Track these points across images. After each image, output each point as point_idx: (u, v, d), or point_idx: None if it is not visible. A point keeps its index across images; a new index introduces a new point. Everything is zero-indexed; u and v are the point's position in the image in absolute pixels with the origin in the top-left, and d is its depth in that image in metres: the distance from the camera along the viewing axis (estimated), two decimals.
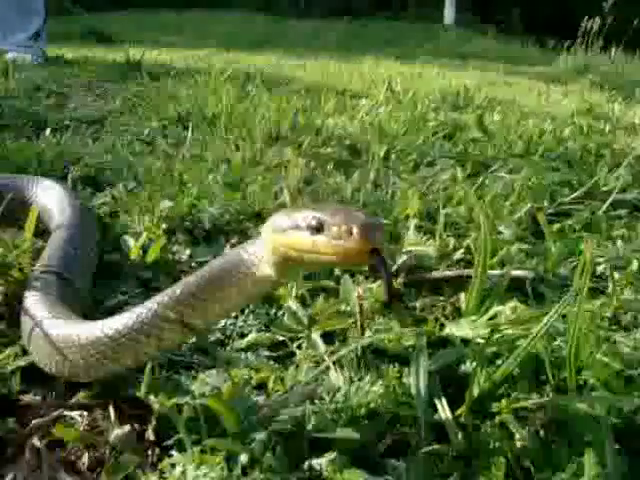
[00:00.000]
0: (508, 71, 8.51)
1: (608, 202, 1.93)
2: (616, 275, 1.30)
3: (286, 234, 0.86)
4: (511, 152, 2.61)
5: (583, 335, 0.94)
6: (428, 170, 2.20)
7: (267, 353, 1.09)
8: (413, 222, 1.53)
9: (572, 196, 2.06)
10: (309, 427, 0.82)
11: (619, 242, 1.51)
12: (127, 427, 0.92)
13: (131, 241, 1.40)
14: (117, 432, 0.91)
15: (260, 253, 0.94)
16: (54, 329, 1.00)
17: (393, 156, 2.31)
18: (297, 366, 1.03)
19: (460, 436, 0.84)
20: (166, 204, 1.56)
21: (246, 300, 1.03)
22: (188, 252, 1.41)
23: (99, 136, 2.83)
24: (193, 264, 1.38)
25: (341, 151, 2.33)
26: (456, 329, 1.04)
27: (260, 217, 1.59)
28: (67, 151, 2.37)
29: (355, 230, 0.78)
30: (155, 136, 2.77)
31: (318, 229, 0.82)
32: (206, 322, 0.98)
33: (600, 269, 1.40)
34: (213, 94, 3.42)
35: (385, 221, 1.56)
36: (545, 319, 0.87)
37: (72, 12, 12.74)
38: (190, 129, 2.66)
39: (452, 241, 1.47)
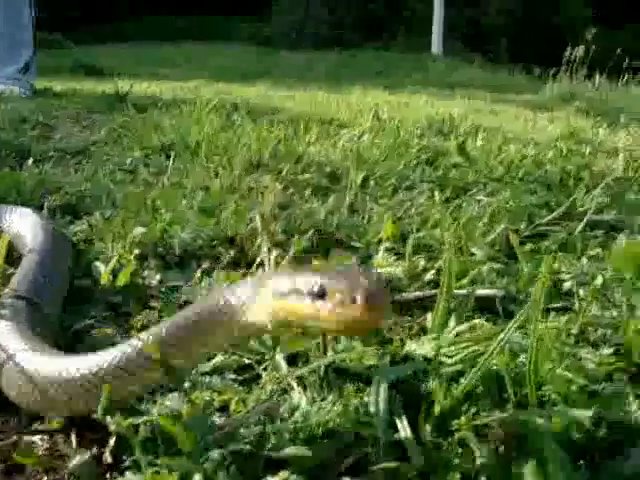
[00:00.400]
0: (495, 99, 8.59)
1: (583, 222, 1.95)
2: (582, 292, 1.31)
3: (286, 299, 0.83)
4: (491, 176, 2.63)
5: (543, 350, 0.94)
6: (406, 194, 2.22)
7: (233, 376, 1.08)
8: (385, 244, 1.54)
9: (549, 217, 2.07)
10: (266, 446, 0.81)
11: (584, 259, 1.52)
12: (86, 454, 0.91)
13: (102, 266, 1.41)
14: (75, 460, 0.90)
15: (249, 300, 0.91)
16: (30, 363, 0.98)
17: (372, 182, 2.33)
18: (262, 388, 1.03)
19: (419, 453, 0.84)
20: (139, 230, 1.57)
21: (232, 343, 1.02)
22: (159, 277, 1.41)
23: (82, 166, 2.84)
24: (163, 289, 1.39)
25: (320, 177, 2.35)
26: (417, 347, 1.04)
27: (233, 242, 1.60)
28: (48, 180, 2.38)
29: (359, 299, 0.76)
30: (137, 165, 2.79)
31: (320, 295, 0.79)
32: (190, 363, 0.97)
33: (567, 286, 1.41)
34: (197, 124, 3.45)
35: (357, 244, 1.57)
36: (501, 335, 0.88)
37: (63, 46, 12.84)
38: (172, 158, 2.68)
39: (422, 262, 1.47)
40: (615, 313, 1.20)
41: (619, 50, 10.52)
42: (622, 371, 1.06)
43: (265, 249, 1.36)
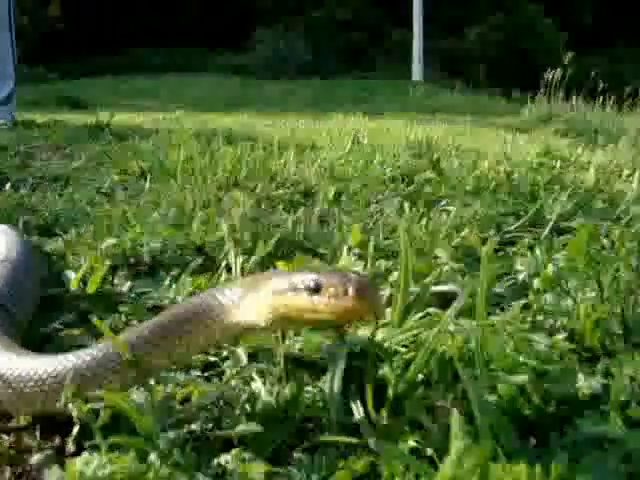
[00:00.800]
0: (475, 123, 8.72)
1: (548, 227, 2.00)
2: (536, 283, 1.35)
3: (286, 295, 0.91)
4: (462, 189, 2.68)
5: (494, 335, 0.97)
6: (377, 207, 2.27)
7: (198, 373, 1.11)
8: (350, 249, 1.58)
9: (516, 224, 2.12)
10: (222, 427, 0.84)
11: (537, 251, 1.56)
12: (49, 450, 0.93)
13: (72, 274, 1.43)
14: (37, 456, 0.92)
15: (239, 301, 0.98)
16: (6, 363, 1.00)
17: (344, 197, 2.38)
18: (225, 382, 1.05)
19: (371, 431, 0.87)
20: (109, 241, 1.60)
21: (213, 343, 1.05)
22: (128, 284, 1.44)
23: (59, 191, 2.87)
24: (132, 295, 1.41)
25: (293, 194, 2.39)
26: (373, 336, 1.07)
27: (201, 251, 1.63)
28: (25, 202, 2.41)
29: (351, 290, 0.85)
30: (114, 188, 2.82)
31: (316, 290, 0.88)
32: (169, 364, 1.00)
33: (522, 277, 1.46)
34: (175, 149, 3.49)
35: (323, 250, 1.61)
36: (444, 317, 0.91)
37: (46, 79, 12.94)
38: (148, 180, 2.71)
39: (384, 264, 1.51)
40: (570, 302, 1.24)
41: (594, 73, 10.76)
42: (574, 353, 1.10)
43: (232, 254, 1.39)
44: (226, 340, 1.07)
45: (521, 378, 0.89)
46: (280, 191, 2.36)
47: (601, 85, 10.89)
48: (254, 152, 3.38)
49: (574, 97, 10.79)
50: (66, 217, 2.18)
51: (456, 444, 0.67)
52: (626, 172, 3.76)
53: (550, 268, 1.35)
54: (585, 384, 0.96)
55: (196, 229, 1.70)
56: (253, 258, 1.44)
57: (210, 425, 0.86)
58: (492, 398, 0.90)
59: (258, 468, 0.76)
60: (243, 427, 0.82)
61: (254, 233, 1.60)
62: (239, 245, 1.51)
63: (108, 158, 3.64)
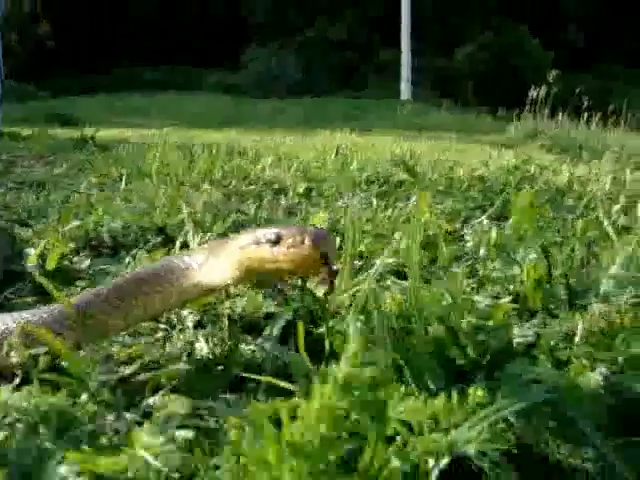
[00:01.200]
0: (461, 139, 8.79)
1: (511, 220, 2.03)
2: (482, 251, 1.38)
3: (250, 248, 0.96)
4: (434, 188, 2.72)
5: (421, 285, 1.00)
6: (345, 202, 2.30)
7: (146, 339, 1.13)
8: None
9: (483, 217, 2.16)
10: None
11: (484, 218, 1.58)
12: None
13: (32, 250, 1.45)
14: None
15: (204, 262, 1.02)
16: None
17: (314, 192, 2.41)
18: (171, 344, 1.07)
19: (303, 375, 0.89)
20: (73, 223, 1.62)
21: (168, 308, 1.08)
22: (88, 262, 1.46)
23: (37, 194, 2.89)
24: (91, 271, 1.43)
25: (265, 190, 2.42)
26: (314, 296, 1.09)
27: (163, 231, 1.65)
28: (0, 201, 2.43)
29: (307, 240, 0.90)
30: (91, 189, 2.84)
31: (276, 242, 0.93)
32: (125, 326, 1.02)
33: (469, 246, 1.49)
34: (153, 154, 3.51)
35: None
36: (368, 275, 0.94)
37: (36, 97, 12.98)
38: (124, 181, 2.74)
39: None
40: (517, 269, 1.27)
41: (578, 90, 10.89)
42: (516, 315, 1.13)
43: (190, 232, 1.41)
44: (180, 303, 1.09)
45: (458, 324, 0.91)
46: (251, 187, 2.38)
47: (586, 102, 11.00)
48: (232, 158, 3.42)
49: (559, 114, 10.90)
50: (39, 212, 2.20)
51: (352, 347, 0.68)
52: (603, 178, 3.81)
53: (494, 233, 1.37)
54: (520, 333, 0.99)
55: (159, 212, 1.72)
56: (210, 235, 1.46)
57: (139, 368, 0.88)
58: (425, 349, 0.92)
59: (183, 403, 0.78)
60: (172, 367, 0.84)
61: (214, 215, 1.63)
62: (198, 226, 1.53)
63: (90, 165, 3.66)
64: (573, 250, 1.39)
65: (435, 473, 0.67)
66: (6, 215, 2.18)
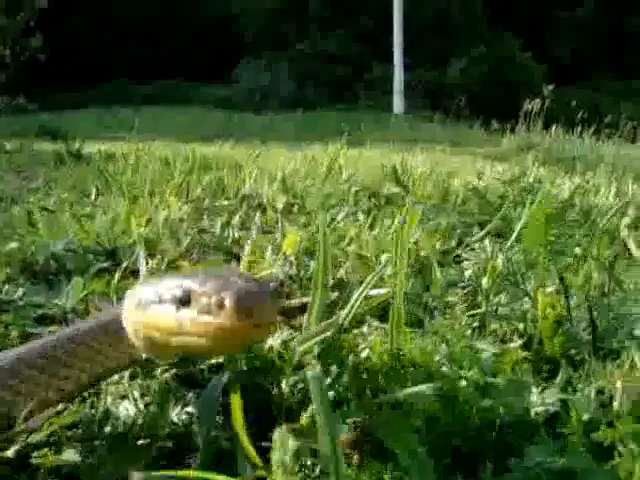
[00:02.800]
0: (455, 152, 8.65)
1: (514, 236, 1.83)
2: (484, 281, 1.16)
3: (148, 310, 0.67)
4: (426, 202, 2.53)
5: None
6: (329, 216, 2.09)
7: None
8: (283, 254, 1.40)
9: (480, 234, 1.96)
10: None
11: (487, 241, 1.39)
12: None
13: None
14: None
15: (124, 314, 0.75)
16: None
17: (295, 208, 2.21)
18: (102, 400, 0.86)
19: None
20: (11, 245, 1.41)
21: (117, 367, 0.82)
22: (21, 292, 1.25)
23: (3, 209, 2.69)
24: (21, 303, 1.22)
25: (240, 206, 2.21)
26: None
27: (113, 255, 1.44)
28: None
29: (228, 301, 0.59)
30: (62, 205, 2.64)
31: (185, 302, 0.62)
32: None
33: (468, 274, 1.28)
34: (136, 171, 3.32)
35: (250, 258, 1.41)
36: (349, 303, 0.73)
37: (27, 110, 12.81)
38: (93, 196, 2.54)
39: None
40: (527, 302, 1.05)
41: (574, 103, 10.83)
42: (528, 362, 0.90)
43: (141, 257, 1.21)
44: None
45: (430, 389, 0.69)
46: (225, 202, 2.18)
47: (579, 115, 10.93)
48: (212, 171, 3.22)
49: (553, 127, 10.78)
50: None
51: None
52: (603, 190, 3.63)
53: (500, 260, 1.15)
54: (539, 400, 0.75)
55: (108, 233, 1.50)
56: (164, 260, 1.25)
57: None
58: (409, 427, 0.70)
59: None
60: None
61: (171, 234, 1.42)
62: (152, 248, 1.32)
63: (66, 180, 3.47)
64: (590, 275, 1.19)
65: None
66: None
